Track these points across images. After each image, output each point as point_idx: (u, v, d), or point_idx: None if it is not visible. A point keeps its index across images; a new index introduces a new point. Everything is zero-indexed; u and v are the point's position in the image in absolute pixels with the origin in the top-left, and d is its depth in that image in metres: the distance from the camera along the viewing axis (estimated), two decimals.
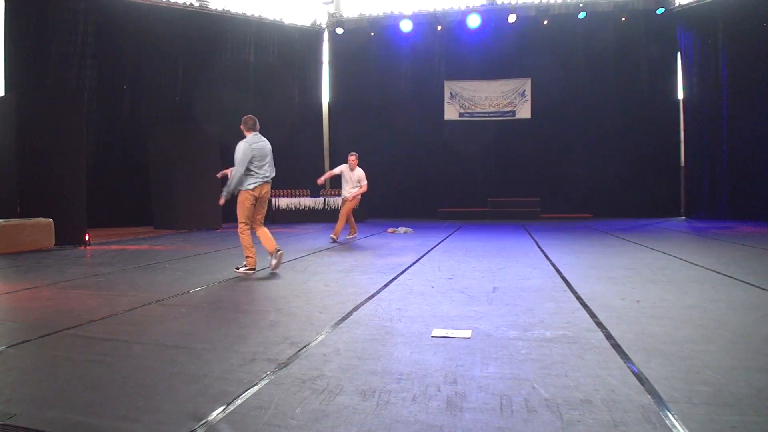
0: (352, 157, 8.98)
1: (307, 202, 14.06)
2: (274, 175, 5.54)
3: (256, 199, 5.38)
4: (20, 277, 5.20)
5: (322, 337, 2.92)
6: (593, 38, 14.51)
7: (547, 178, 14.94)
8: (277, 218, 13.75)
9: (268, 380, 2.25)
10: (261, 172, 5.36)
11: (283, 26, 15.37)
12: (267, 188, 5.48)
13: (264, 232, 5.44)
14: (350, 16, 15.62)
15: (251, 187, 5.29)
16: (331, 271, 5.45)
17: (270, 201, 13.68)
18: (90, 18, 12.37)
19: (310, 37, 15.91)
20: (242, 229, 5.35)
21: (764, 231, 9.50)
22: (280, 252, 5.35)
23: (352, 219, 9.24)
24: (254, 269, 5.30)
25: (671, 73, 14.28)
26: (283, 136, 14.60)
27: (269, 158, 5.50)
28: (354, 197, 8.91)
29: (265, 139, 5.54)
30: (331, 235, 8.67)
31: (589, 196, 14.59)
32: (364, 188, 8.94)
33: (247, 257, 5.30)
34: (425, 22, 15.16)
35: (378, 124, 15.36)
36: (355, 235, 9.27)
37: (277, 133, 14.43)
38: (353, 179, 8.94)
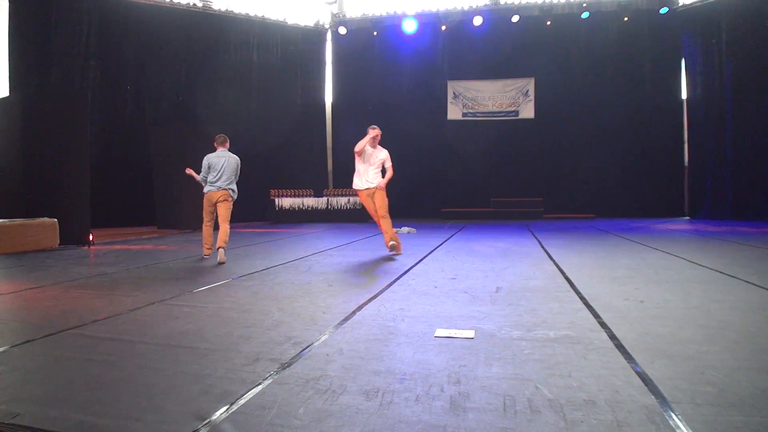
0: (375, 131, 6.63)
1: (310, 202, 14.07)
2: (227, 186, 6.53)
3: (211, 203, 6.52)
4: (24, 277, 5.22)
5: (326, 337, 2.92)
6: (596, 38, 14.48)
7: (551, 178, 14.91)
8: (280, 218, 13.76)
9: (271, 380, 2.26)
10: (214, 181, 6.48)
11: (286, 26, 15.39)
12: (218, 195, 6.49)
13: (221, 230, 6.39)
14: (353, 16, 15.63)
15: (204, 191, 6.57)
16: (334, 271, 5.45)
17: (273, 201, 13.77)
18: (93, 18, 12.40)
19: (313, 37, 15.93)
20: (203, 225, 6.64)
21: None
22: (219, 250, 6.21)
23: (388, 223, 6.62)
24: (205, 256, 6.59)
25: (675, 73, 14.23)
26: (286, 136, 14.70)
27: (227, 172, 6.53)
28: (381, 188, 6.57)
29: (229, 155, 6.66)
30: (391, 244, 6.49)
31: (593, 196, 14.55)
32: (390, 173, 6.68)
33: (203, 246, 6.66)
34: (428, 22, 15.14)
35: (381, 123, 15.20)
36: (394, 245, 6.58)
37: (280, 133, 14.61)
38: (375, 160, 6.67)
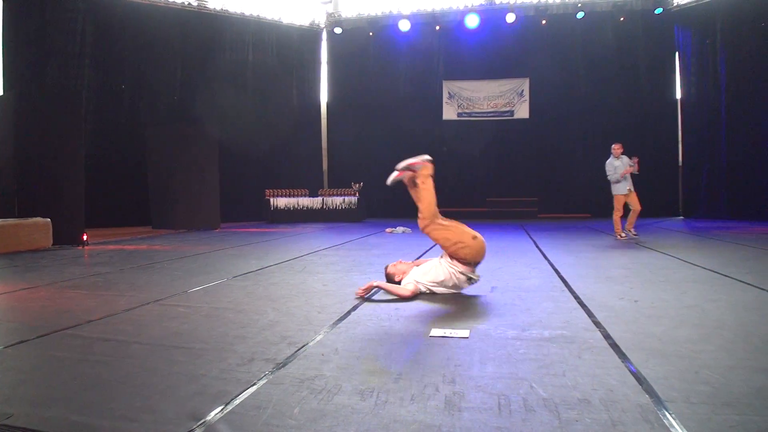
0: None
1: (305, 201, 14.05)
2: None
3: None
4: (18, 277, 5.19)
5: (321, 336, 2.92)
6: (591, 38, 14.51)
7: (546, 178, 14.94)
8: (275, 218, 13.74)
9: (266, 380, 2.25)
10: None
11: (281, 26, 15.36)
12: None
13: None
14: (348, 15, 15.62)
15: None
16: (330, 271, 5.45)
17: (268, 201, 13.77)
18: (88, 17, 12.34)
19: (308, 37, 15.91)
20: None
21: (763, 230, 9.51)
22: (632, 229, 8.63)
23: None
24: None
25: (669, 73, 14.30)
26: (282, 135, 14.68)
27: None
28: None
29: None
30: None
31: (588, 195, 14.56)
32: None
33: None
34: (424, 22, 15.15)
35: (376, 124, 15.34)
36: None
37: (276, 132, 14.58)
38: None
